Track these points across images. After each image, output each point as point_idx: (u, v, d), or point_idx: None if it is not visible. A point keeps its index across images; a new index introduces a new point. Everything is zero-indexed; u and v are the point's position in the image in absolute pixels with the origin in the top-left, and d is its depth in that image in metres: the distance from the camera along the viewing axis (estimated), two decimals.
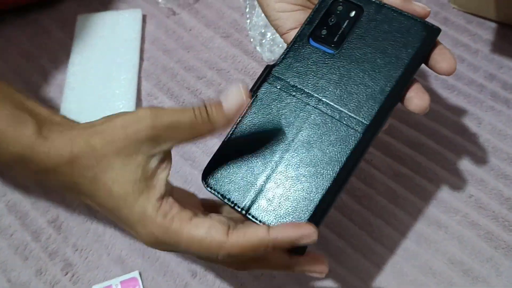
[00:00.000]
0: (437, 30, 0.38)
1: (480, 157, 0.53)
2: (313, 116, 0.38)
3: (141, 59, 0.64)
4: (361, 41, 0.39)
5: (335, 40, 0.40)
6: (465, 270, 0.47)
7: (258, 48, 0.62)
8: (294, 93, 0.39)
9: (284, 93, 0.39)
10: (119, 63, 0.63)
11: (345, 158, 0.36)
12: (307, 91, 0.39)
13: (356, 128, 0.37)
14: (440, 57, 0.37)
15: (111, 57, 0.64)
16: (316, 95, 0.38)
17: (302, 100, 0.39)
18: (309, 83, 0.39)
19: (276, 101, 0.39)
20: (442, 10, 0.66)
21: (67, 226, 0.54)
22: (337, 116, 0.37)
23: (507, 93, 0.58)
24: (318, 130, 0.37)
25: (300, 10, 0.44)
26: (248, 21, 0.63)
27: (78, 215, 0.54)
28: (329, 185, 0.36)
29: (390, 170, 0.53)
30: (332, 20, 0.40)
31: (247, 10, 0.62)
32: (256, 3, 0.60)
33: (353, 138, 0.37)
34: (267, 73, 0.40)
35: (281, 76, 0.40)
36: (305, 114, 0.38)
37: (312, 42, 0.40)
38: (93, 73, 0.63)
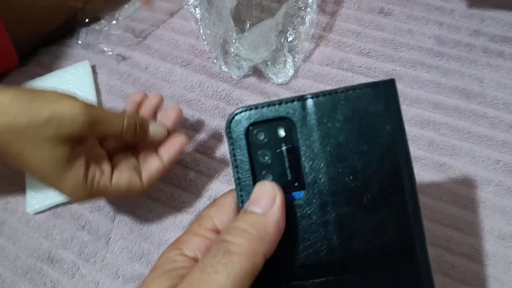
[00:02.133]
0: (392, 82, 0.30)
1: (493, 117, 0.48)
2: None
3: None
4: (324, 154, 0.29)
5: (290, 178, 0.30)
6: None
7: (224, 67, 0.56)
8: (300, 277, 0.29)
9: (289, 286, 0.29)
10: None
11: None
12: (314, 262, 0.29)
13: (410, 260, 0.29)
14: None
15: None
16: (330, 260, 0.29)
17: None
18: (308, 252, 0.29)
19: None
20: None
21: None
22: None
23: (498, 45, 0.53)
24: None
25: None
26: (205, 42, 0.57)
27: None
28: None
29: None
30: (266, 156, 0.30)
31: (201, 31, 0.57)
32: (209, 21, 0.55)
33: (414, 271, 0.29)
34: None
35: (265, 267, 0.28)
36: None
37: None
38: None
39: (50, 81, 0.60)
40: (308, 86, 0.54)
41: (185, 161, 0.52)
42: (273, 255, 0.28)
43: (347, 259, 0.29)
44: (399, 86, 0.52)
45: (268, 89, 0.55)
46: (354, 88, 0.29)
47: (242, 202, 0.29)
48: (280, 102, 0.29)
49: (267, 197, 0.28)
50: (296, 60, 0.55)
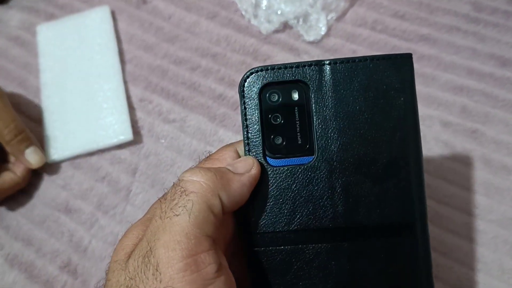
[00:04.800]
0: (409, 56, 0.30)
1: None
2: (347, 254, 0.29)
3: (122, 62, 0.56)
4: (337, 122, 0.29)
5: (300, 142, 0.29)
6: None
7: (253, 21, 0.54)
8: (302, 240, 0.29)
9: (291, 248, 0.29)
10: (99, 73, 0.55)
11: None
12: (313, 227, 0.29)
13: (409, 236, 0.29)
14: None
15: (87, 68, 0.55)
16: (332, 226, 0.29)
17: (319, 242, 0.29)
18: (311, 216, 0.29)
19: (289, 264, 0.29)
20: None
21: (83, 268, 0.46)
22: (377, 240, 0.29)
23: None
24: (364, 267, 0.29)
25: None
26: None
27: (92, 253, 0.46)
28: None
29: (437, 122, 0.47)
30: (278, 118, 0.29)
31: None
32: None
33: (411, 247, 0.29)
34: None
35: (267, 229, 0.29)
36: (336, 260, 0.29)
37: (274, 162, 0.29)
38: (72, 90, 0.54)
39: (68, 25, 0.58)
40: (340, 45, 0.53)
41: (212, 117, 0.51)
42: (276, 216, 0.29)
43: (349, 227, 0.29)
44: (434, 51, 0.51)
45: (297, 46, 0.53)
46: (372, 58, 0.29)
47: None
48: (297, 65, 0.29)
49: (244, 164, 0.29)
50: (328, 18, 0.53)
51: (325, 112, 0.29)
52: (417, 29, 0.52)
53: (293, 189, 0.29)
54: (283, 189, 0.29)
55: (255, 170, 0.29)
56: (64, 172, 0.51)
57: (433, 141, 0.46)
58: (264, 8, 0.51)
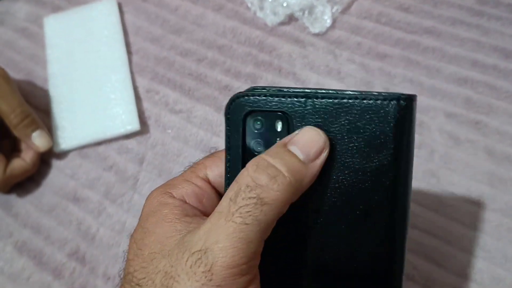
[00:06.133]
0: (411, 99, 0.26)
1: None
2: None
3: (129, 53, 0.56)
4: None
5: None
6: None
7: (258, 13, 0.54)
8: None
9: None
10: (106, 64, 0.55)
11: None
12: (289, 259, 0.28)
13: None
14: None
15: (94, 59, 0.56)
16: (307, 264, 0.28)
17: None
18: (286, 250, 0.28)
19: None
20: None
21: (91, 256, 0.46)
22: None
23: None
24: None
25: None
26: None
27: (100, 241, 0.47)
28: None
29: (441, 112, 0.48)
30: (259, 146, 0.28)
31: None
32: None
33: None
34: None
35: None
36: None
37: None
38: (79, 80, 0.55)
39: (75, 17, 0.58)
40: (344, 38, 0.53)
41: (219, 107, 0.51)
42: None
43: (321, 272, 0.28)
44: (438, 43, 0.52)
45: (303, 39, 0.54)
46: (364, 97, 0.26)
47: (228, 184, 0.27)
48: (283, 95, 0.28)
49: (317, 147, 0.26)
50: (334, 11, 0.53)
51: None
52: (421, 21, 0.53)
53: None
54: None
55: (326, 152, 0.26)
56: (72, 162, 0.51)
57: (437, 132, 0.47)
58: (270, 0, 0.52)
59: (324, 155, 0.26)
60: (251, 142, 0.28)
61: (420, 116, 0.48)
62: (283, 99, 0.28)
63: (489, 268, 0.41)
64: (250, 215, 0.24)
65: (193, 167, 0.31)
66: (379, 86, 0.50)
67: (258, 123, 0.28)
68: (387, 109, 0.26)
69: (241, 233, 0.24)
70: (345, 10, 0.54)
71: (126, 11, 0.59)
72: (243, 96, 0.28)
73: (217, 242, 0.24)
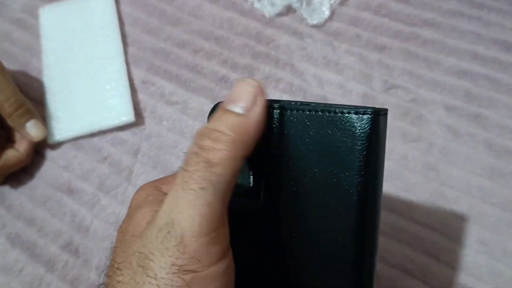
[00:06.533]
0: (382, 114, 0.26)
1: None
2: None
3: (125, 44, 0.55)
4: (287, 172, 0.27)
5: (252, 184, 0.28)
6: None
7: (256, 4, 0.54)
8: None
9: None
10: (102, 55, 0.54)
11: None
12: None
13: None
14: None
15: (90, 49, 0.55)
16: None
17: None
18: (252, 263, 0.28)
19: None
20: None
21: (84, 248, 0.46)
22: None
23: None
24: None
25: None
26: None
27: (94, 233, 0.46)
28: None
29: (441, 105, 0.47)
30: None
31: None
32: None
33: None
34: None
35: None
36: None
37: None
38: (75, 71, 0.54)
39: (70, 8, 0.58)
40: (343, 29, 0.52)
41: (215, 99, 0.51)
42: None
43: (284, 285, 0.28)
44: (438, 35, 0.51)
45: (301, 30, 0.53)
46: (335, 110, 0.26)
47: None
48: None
49: (248, 95, 0.27)
50: (332, 2, 0.53)
51: (279, 160, 0.27)
52: (421, 13, 0.52)
53: (235, 231, 0.26)
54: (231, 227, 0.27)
55: (261, 96, 0.27)
56: (66, 153, 0.51)
57: (437, 125, 0.46)
58: None
59: (260, 98, 0.27)
60: None
61: (419, 109, 0.47)
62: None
63: (488, 262, 0.40)
64: (204, 179, 0.24)
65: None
66: (378, 78, 0.49)
67: None
68: (362, 122, 0.25)
69: (200, 199, 0.24)
70: (344, 1, 0.54)
71: (122, 1, 0.59)
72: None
73: (180, 212, 0.24)
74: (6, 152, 0.48)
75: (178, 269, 0.23)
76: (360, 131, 0.25)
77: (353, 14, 0.53)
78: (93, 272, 0.44)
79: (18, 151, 0.48)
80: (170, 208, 0.24)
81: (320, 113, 0.26)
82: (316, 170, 0.26)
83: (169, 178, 0.31)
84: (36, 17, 0.59)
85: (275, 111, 0.27)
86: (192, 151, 0.26)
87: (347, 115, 0.26)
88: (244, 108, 0.26)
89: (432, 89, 0.48)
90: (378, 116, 0.25)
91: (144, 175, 0.48)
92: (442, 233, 0.42)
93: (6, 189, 0.50)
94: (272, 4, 0.53)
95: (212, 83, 0.52)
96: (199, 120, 0.50)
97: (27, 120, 0.48)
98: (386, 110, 0.26)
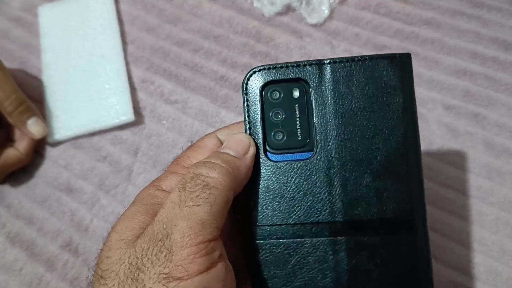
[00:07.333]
0: (408, 56, 0.30)
1: None
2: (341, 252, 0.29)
3: (124, 43, 0.55)
4: (336, 119, 0.30)
5: (300, 138, 0.30)
6: None
7: (255, 3, 0.54)
8: (300, 234, 0.29)
9: (289, 242, 0.30)
10: (101, 53, 0.54)
11: None
12: (312, 221, 0.29)
13: (407, 234, 0.29)
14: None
15: (89, 48, 0.55)
16: (330, 220, 0.29)
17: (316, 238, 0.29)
18: (309, 210, 0.30)
19: (284, 259, 0.30)
20: None
21: (84, 247, 0.46)
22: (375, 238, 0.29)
23: None
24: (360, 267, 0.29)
25: None
26: None
27: (93, 232, 0.46)
28: None
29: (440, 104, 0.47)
30: (279, 115, 0.30)
31: None
32: None
33: (410, 245, 0.29)
34: None
35: (266, 222, 0.30)
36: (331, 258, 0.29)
37: (274, 157, 0.30)
38: (74, 70, 0.54)
39: (69, 6, 0.57)
40: (342, 29, 0.52)
41: (214, 98, 0.51)
42: (275, 210, 0.30)
43: (347, 221, 0.29)
44: (437, 34, 0.51)
45: (300, 29, 0.53)
46: (371, 58, 0.29)
47: None
48: (297, 64, 0.30)
49: (242, 145, 0.30)
50: (331, 1, 0.53)
51: (325, 109, 0.30)
52: (420, 12, 0.52)
53: (292, 183, 0.30)
54: (283, 183, 0.30)
55: (253, 148, 0.30)
56: (65, 152, 0.51)
57: (436, 124, 0.46)
58: None
59: (252, 150, 0.30)
60: (270, 113, 0.30)
61: (418, 108, 0.47)
62: (299, 67, 0.30)
63: (486, 261, 0.40)
64: (200, 198, 0.27)
65: (176, 160, 0.33)
66: None
67: (276, 93, 0.30)
68: (392, 64, 0.29)
69: (195, 214, 0.26)
70: (343, 0, 0.54)
71: (121, 0, 0.58)
72: (259, 70, 0.31)
73: (175, 226, 0.26)
74: (6, 151, 0.48)
75: (164, 277, 0.24)
76: (402, 70, 0.30)
77: (353, 13, 0.53)
78: (92, 271, 0.45)
79: (18, 150, 0.48)
80: (165, 222, 0.26)
81: (360, 62, 0.30)
82: (363, 111, 0.29)
83: (164, 175, 0.32)
84: (35, 15, 0.59)
85: (312, 66, 0.30)
86: (189, 176, 0.28)
87: (385, 59, 0.30)
88: (237, 153, 0.29)
89: (431, 88, 0.48)
90: (410, 58, 0.30)
91: (143, 174, 0.48)
92: (440, 233, 0.42)
93: (6, 188, 0.50)
94: (272, 3, 0.53)
95: (212, 82, 0.52)
96: (198, 119, 0.50)
97: (28, 117, 0.48)
98: (409, 53, 0.30)
